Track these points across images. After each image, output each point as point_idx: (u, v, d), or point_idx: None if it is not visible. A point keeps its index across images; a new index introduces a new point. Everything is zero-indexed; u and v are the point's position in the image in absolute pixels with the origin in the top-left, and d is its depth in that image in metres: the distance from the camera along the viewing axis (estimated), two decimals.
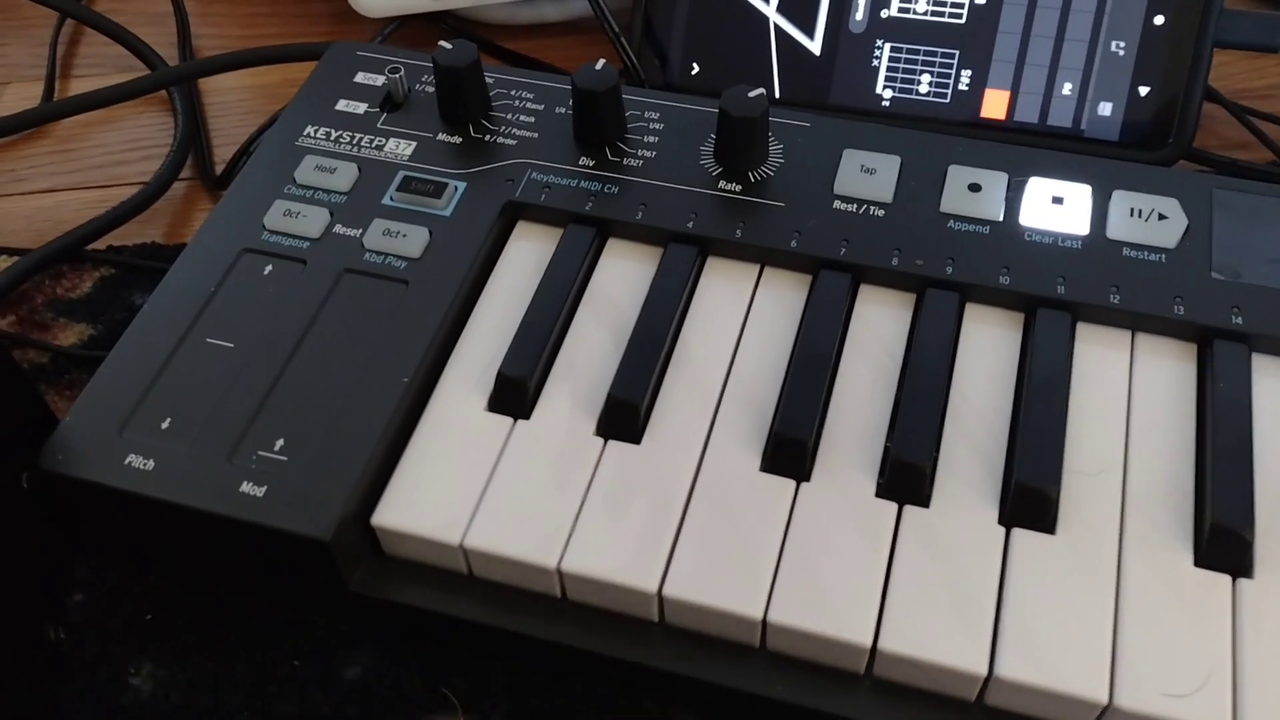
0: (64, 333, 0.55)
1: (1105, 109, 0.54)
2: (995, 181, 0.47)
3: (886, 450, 0.41)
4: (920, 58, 0.56)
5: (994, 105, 0.55)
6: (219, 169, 0.64)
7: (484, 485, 0.41)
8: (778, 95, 0.58)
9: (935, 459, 0.41)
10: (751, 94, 0.47)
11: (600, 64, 0.49)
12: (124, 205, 0.59)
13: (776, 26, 0.58)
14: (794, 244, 0.46)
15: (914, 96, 0.56)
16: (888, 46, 0.56)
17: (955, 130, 0.55)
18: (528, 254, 0.48)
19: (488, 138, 0.51)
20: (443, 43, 0.50)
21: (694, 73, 0.59)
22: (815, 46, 0.57)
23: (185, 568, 0.45)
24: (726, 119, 0.47)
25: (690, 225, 0.47)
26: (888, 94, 0.57)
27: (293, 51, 0.63)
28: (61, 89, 0.69)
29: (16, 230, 0.61)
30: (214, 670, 0.43)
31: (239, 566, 0.43)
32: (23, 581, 0.43)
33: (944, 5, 0.55)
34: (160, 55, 0.68)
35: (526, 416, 0.43)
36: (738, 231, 0.47)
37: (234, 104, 0.67)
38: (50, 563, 0.45)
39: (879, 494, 0.40)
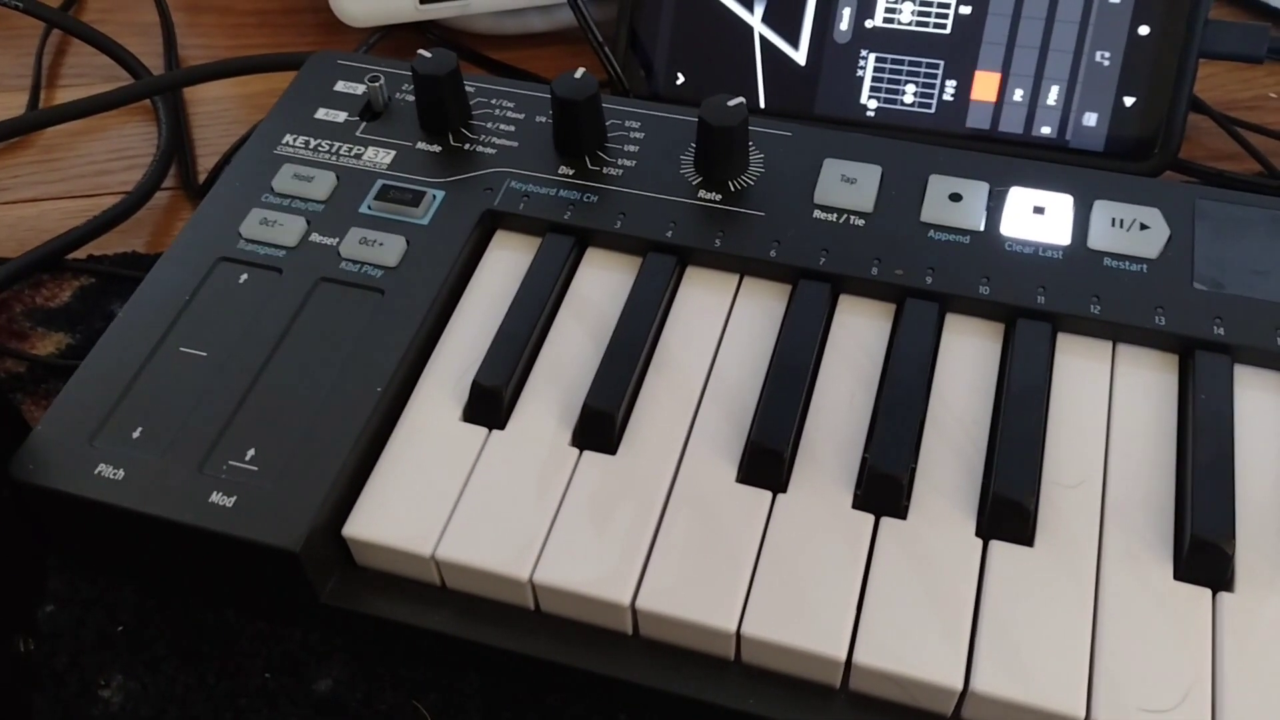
0: (42, 342, 0.55)
1: (1090, 119, 0.54)
2: (976, 191, 0.47)
3: (864, 461, 0.41)
4: (905, 68, 0.56)
5: (979, 115, 0.55)
6: (202, 178, 0.63)
7: (457, 496, 0.41)
8: (763, 105, 0.58)
9: (913, 470, 0.40)
10: (731, 103, 0.47)
11: (580, 73, 0.48)
12: (106, 214, 0.59)
13: (761, 37, 0.58)
14: (773, 253, 0.46)
15: (899, 107, 0.56)
16: (872, 57, 0.56)
17: (940, 140, 0.55)
18: (506, 263, 0.48)
19: (467, 146, 0.50)
20: (422, 51, 0.50)
21: (679, 82, 0.59)
22: (800, 56, 0.57)
23: (157, 578, 0.45)
24: (706, 128, 0.47)
25: (669, 235, 0.47)
26: (873, 104, 0.56)
27: (276, 61, 0.63)
28: (47, 99, 0.69)
29: (2, 239, 0.61)
30: (184, 682, 0.43)
31: (210, 577, 0.43)
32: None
33: (929, 15, 0.55)
34: (146, 65, 0.68)
35: (501, 426, 0.42)
36: (717, 241, 0.46)
37: (218, 113, 0.67)
38: (21, 573, 0.45)
39: (856, 505, 0.40)
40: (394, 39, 0.69)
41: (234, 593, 0.43)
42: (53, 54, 0.72)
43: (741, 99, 0.47)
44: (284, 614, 0.43)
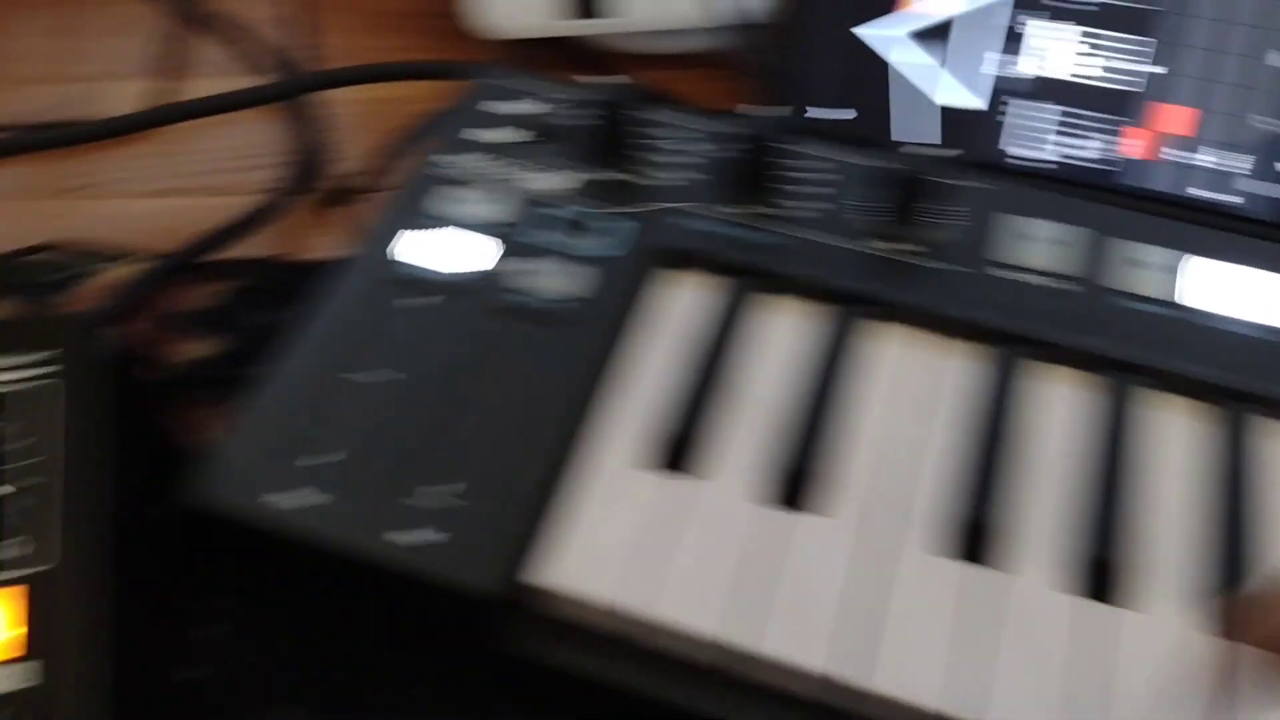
0: (186, 347, 0.53)
1: (1275, 191, 0.53)
2: (1175, 261, 0.45)
3: (1089, 548, 0.39)
4: (1089, 122, 0.54)
5: (1162, 176, 0.54)
6: (333, 184, 0.62)
7: (652, 547, 0.39)
8: None
9: (1125, 553, 0.39)
10: (931, 152, 0.45)
11: (769, 109, 0.47)
12: (242, 216, 0.57)
13: (937, 80, 0.56)
14: (959, 311, 0.44)
15: (1081, 163, 0.54)
16: (1056, 109, 0.54)
17: (1122, 200, 0.53)
18: (683, 301, 0.46)
19: (642, 179, 0.49)
20: (603, 78, 0.48)
21: (845, 119, 0.57)
22: (981, 104, 0.55)
23: (332, 611, 0.43)
24: (899, 177, 0.45)
25: (849, 283, 0.45)
26: (1053, 157, 0.55)
27: (414, 69, 0.62)
28: (174, 89, 0.67)
29: (126, 232, 0.59)
30: None
31: (392, 611, 0.41)
32: (151, 620, 0.41)
33: (1117, 71, 0.54)
34: (273, 60, 0.66)
35: (688, 475, 0.41)
36: (899, 294, 0.45)
37: (348, 117, 0.65)
38: (183, 600, 0.43)
39: (1066, 589, 0.38)
40: (523, 51, 0.67)
41: (415, 629, 0.42)
42: (179, 43, 0.69)
43: (947, 150, 0.45)
44: (467, 659, 0.42)
